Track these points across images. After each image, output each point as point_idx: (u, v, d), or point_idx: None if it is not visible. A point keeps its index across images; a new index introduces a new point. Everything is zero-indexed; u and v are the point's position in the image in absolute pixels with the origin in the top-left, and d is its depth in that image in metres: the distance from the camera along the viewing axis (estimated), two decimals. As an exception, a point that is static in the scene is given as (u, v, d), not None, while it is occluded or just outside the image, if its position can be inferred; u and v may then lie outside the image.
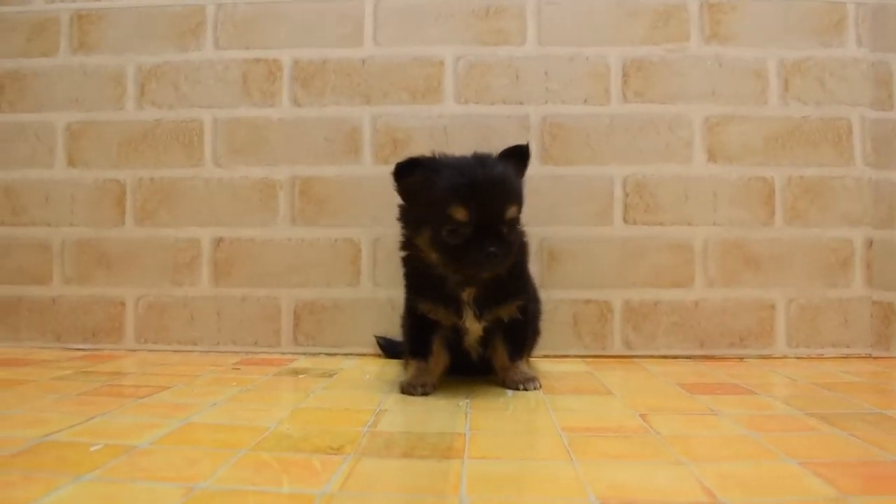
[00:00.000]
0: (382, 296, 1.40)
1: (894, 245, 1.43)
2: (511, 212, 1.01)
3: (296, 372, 1.22)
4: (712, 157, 1.40)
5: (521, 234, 1.09)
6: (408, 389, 1.04)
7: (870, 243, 1.42)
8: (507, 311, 1.10)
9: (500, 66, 1.42)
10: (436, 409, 0.95)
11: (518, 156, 1.09)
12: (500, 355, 1.12)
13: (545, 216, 1.38)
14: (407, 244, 1.10)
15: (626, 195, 1.41)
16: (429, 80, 1.42)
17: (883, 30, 1.45)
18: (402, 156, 1.40)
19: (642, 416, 0.90)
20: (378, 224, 1.41)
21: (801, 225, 1.41)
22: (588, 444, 0.77)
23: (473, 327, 1.09)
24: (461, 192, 0.98)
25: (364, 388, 1.10)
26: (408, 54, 1.43)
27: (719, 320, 1.40)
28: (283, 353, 1.41)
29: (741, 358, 1.39)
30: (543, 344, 1.33)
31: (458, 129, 1.42)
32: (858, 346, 1.41)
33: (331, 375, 1.18)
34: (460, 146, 1.39)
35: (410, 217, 1.08)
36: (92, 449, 0.73)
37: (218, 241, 1.44)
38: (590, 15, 1.43)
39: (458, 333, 1.10)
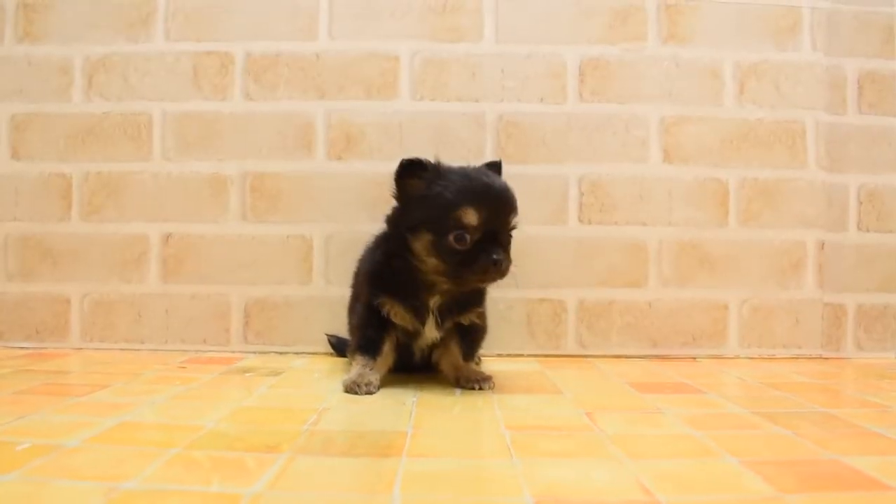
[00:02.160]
0: (335, 293, 1.39)
1: (846, 247, 1.47)
2: (514, 221, 1.03)
3: (243, 371, 1.21)
4: (668, 157, 1.42)
5: None
6: (352, 388, 1.02)
7: (822, 245, 1.45)
8: (468, 318, 1.12)
9: (457, 62, 1.42)
10: (381, 407, 0.95)
11: (497, 170, 1.13)
12: (454, 355, 1.12)
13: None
14: (393, 244, 1.08)
15: (582, 194, 1.42)
16: (384, 75, 1.42)
17: (838, 34, 1.48)
18: (356, 152, 1.42)
19: (588, 414, 0.90)
20: (331, 220, 1.40)
21: (754, 226, 1.43)
22: (531, 442, 0.77)
23: (431, 334, 1.09)
24: (474, 196, 1.00)
25: (310, 386, 1.09)
26: (363, 49, 1.42)
27: (673, 320, 1.41)
28: (233, 352, 1.39)
29: (694, 358, 1.41)
30: (497, 343, 1.34)
31: (414, 125, 1.41)
32: (809, 346, 1.44)
33: (278, 374, 1.17)
34: (415, 143, 1.40)
35: (407, 219, 1.06)
36: (18, 448, 0.71)
37: (167, 237, 1.41)
38: (547, 13, 1.43)
39: (410, 336, 1.10)
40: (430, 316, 1.07)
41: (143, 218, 1.41)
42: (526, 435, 0.80)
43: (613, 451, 0.74)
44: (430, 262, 1.02)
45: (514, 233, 1.04)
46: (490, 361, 1.32)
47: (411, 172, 1.04)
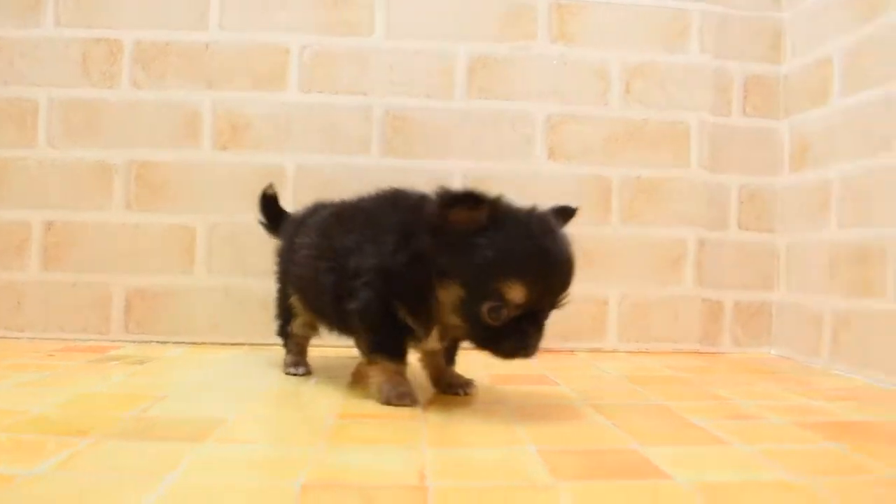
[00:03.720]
0: (217, 283, 1.42)
1: (725, 246, 1.53)
2: (567, 299, 0.88)
3: (111, 359, 1.23)
4: (552, 154, 1.46)
5: None
6: (396, 400, 0.93)
7: (702, 243, 1.50)
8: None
9: (347, 56, 1.45)
10: (225, 397, 0.98)
11: (567, 217, 0.96)
12: (437, 358, 1.05)
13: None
14: (412, 260, 0.90)
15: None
16: (273, 67, 1.44)
17: (727, 38, 1.53)
18: (243, 142, 1.44)
19: (425, 405, 0.94)
20: (215, 211, 1.43)
21: (636, 224, 1.48)
22: (349, 430, 0.81)
23: (433, 345, 0.99)
24: (528, 268, 0.83)
25: (166, 376, 1.12)
26: (253, 40, 1.44)
27: (553, 315, 1.46)
28: (113, 341, 1.41)
29: (572, 351, 1.46)
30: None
31: (302, 117, 1.44)
32: (687, 341, 1.50)
33: (143, 363, 1.20)
34: (303, 135, 1.43)
35: (438, 259, 0.87)
36: None
37: (49, 225, 1.42)
38: (439, 10, 1.47)
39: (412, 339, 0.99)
40: (433, 330, 0.96)
41: (25, 205, 1.42)
42: (350, 422, 0.84)
43: (419, 437, 0.78)
44: (452, 319, 0.88)
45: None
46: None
47: (465, 206, 0.84)
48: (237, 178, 1.43)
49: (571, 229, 1.47)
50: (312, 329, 1.19)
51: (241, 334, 1.43)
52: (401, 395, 0.93)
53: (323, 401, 0.97)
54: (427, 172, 1.45)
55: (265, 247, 1.42)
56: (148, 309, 1.43)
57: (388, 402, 0.93)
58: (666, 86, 1.49)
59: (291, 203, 1.39)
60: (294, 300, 1.17)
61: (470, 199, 0.84)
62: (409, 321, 0.93)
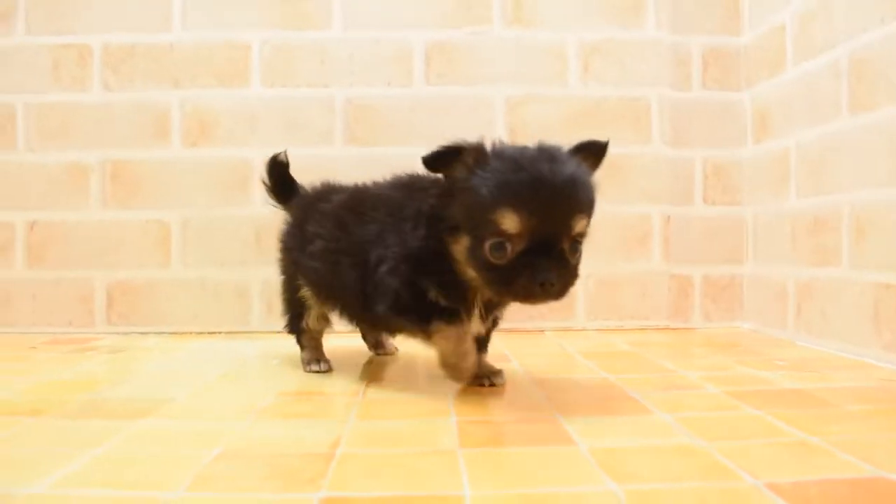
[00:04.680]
0: (193, 275, 1.50)
1: (691, 221, 1.56)
2: (580, 225, 0.82)
3: (88, 349, 1.31)
4: (513, 135, 1.50)
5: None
6: (470, 378, 0.95)
7: (668, 219, 1.54)
8: (501, 311, 1.00)
9: (306, 49, 1.51)
10: (189, 378, 1.05)
11: (593, 153, 0.90)
12: None
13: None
14: (433, 232, 0.89)
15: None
16: (236, 63, 1.51)
17: (683, 12, 1.56)
18: (211, 138, 1.51)
19: (366, 384, 1.00)
20: (188, 205, 1.50)
21: (601, 202, 1.51)
22: (284, 406, 0.88)
23: (475, 329, 0.95)
24: (515, 192, 0.79)
25: (136, 363, 1.19)
26: (215, 38, 1.51)
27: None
28: (98, 333, 1.50)
29: (542, 331, 1.51)
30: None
31: (266, 112, 1.51)
32: (657, 318, 1.54)
33: (117, 352, 1.28)
34: (268, 129, 1.49)
35: (445, 215, 0.87)
36: None
37: (32, 225, 1.51)
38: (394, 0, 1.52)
39: None
40: (475, 309, 0.93)
41: (8, 207, 1.52)
42: (290, 400, 0.91)
43: (350, 411, 0.84)
44: (469, 272, 0.87)
45: (581, 240, 0.84)
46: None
47: (446, 161, 0.85)
48: (207, 174, 1.50)
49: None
50: (326, 322, 1.16)
51: (218, 323, 1.51)
52: (470, 369, 0.93)
53: (274, 381, 1.03)
54: (390, 159, 1.46)
55: (237, 238, 1.50)
56: (128, 301, 1.51)
57: (471, 382, 0.95)
58: (624, 63, 1.52)
59: (261, 197, 1.46)
60: (306, 293, 1.13)
61: (447, 150, 0.83)
62: (443, 300, 0.90)
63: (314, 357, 1.13)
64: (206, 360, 1.24)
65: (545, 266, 0.79)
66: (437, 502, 0.55)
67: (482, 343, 1.01)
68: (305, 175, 1.38)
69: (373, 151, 1.48)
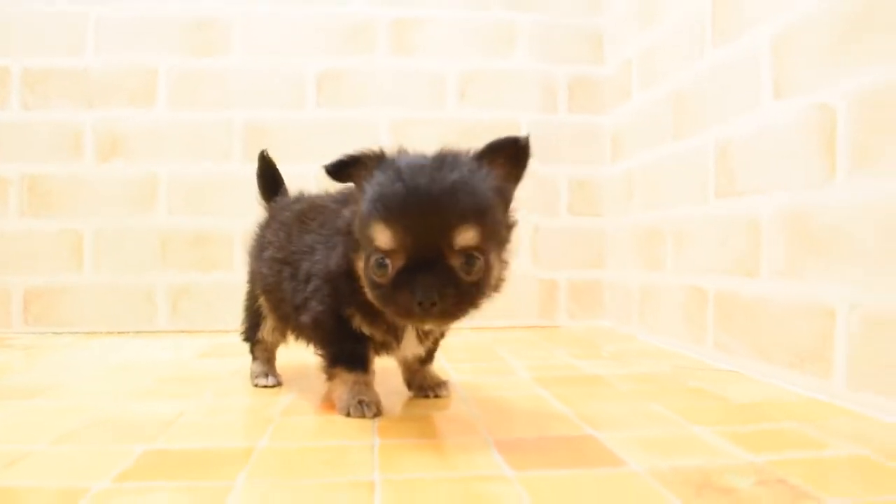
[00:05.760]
0: (104, 280, 1.68)
1: (556, 231, 1.78)
2: (465, 238, 0.74)
3: (2, 346, 1.48)
4: (397, 155, 1.71)
5: (498, 266, 0.82)
6: (357, 411, 0.89)
7: (536, 229, 1.76)
8: (448, 328, 0.95)
9: (209, 74, 1.71)
10: (87, 368, 1.23)
11: (508, 154, 0.83)
12: (411, 361, 1.03)
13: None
14: (346, 253, 0.86)
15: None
16: (145, 86, 1.70)
17: (551, 43, 1.78)
18: (121, 154, 1.69)
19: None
20: (99, 216, 1.68)
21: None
22: (161, 387, 1.07)
23: (411, 350, 0.94)
24: (385, 206, 0.75)
25: (41, 357, 1.37)
26: (126, 62, 1.69)
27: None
28: (16, 333, 1.67)
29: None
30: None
31: (171, 131, 1.69)
32: (526, 317, 1.76)
33: (27, 349, 1.45)
34: (173, 147, 1.67)
35: (350, 230, 0.85)
36: None
37: (-48, 233, 1.68)
38: (290, 30, 1.72)
39: (386, 348, 0.94)
40: (410, 330, 0.90)
41: (-71, 216, 1.68)
42: (166, 384, 1.10)
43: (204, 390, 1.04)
44: (367, 292, 0.82)
45: (478, 254, 0.75)
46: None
47: (343, 172, 0.83)
48: (118, 187, 1.69)
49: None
50: (282, 335, 1.13)
51: (127, 323, 1.69)
52: (360, 405, 0.89)
53: (161, 370, 1.22)
54: (285, 177, 1.70)
55: (145, 246, 1.69)
56: (44, 305, 1.68)
57: (346, 413, 0.89)
58: (497, 89, 1.74)
59: (166, 208, 1.66)
60: (262, 302, 1.11)
61: (347, 159, 0.81)
62: (366, 329, 0.88)
63: (263, 371, 1.12)
64: (105, 353, 1.41)
65: (425, 283, 0.73)
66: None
67: (428, 356, 1.01)
68: (206, 189, 1.57)
69: (270, 168, 1.68)
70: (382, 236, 0.74)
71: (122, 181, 1.69)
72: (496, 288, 0.84)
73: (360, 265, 0.81)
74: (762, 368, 1.10)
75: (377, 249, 0.75)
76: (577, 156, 1.78)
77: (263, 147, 1.68)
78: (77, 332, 1.68)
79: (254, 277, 1.12)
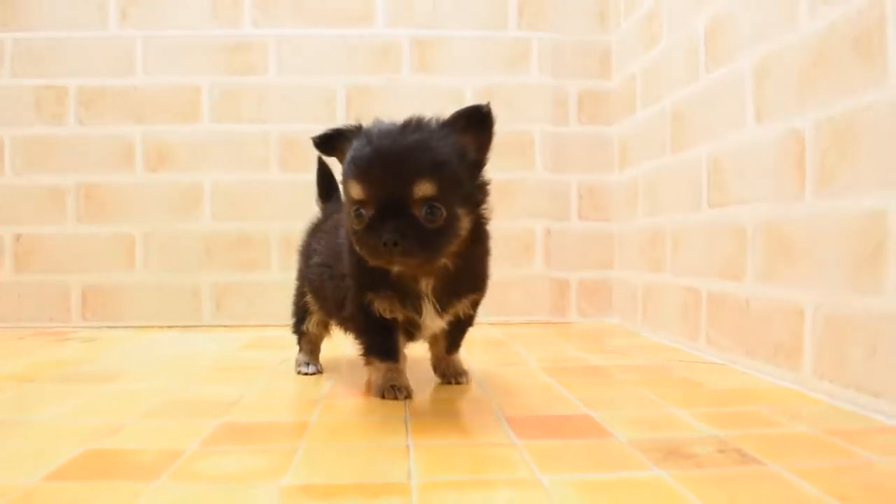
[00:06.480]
0: (154, 279, 1.87)
1: (567, 233, 1.94)
2: (422, 189, 0.87)
3: (68, 339, 1.67)
4: (420, 164, 1.87)
5: (479, 217, 1.02)
6: (389, 393, 1.02)
7: (548, 232, 1.92)
8: (463, 307, 1.07)
9: (248, 91, 1.88)
10: (143, 359, 1.41)
11: (473, 122, 0.96)
12: (439, 347, 1.16)
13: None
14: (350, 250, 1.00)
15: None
16: (190, 103, 1.88)
17: (562, 60, 1.94)
18: (168, 165, 1.87)
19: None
20: (149, 221, 1.87)
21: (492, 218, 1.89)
22: (217, 375, 1.24)
23: (435, 324, 1.04)
24: (356, 163, 0.90)
25: (103, 349, 1.55)
26: (172, 82, 1.88)
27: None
28: (74, 327, 1.86)
29: (442, 324, 1.88)
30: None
31: (214, 142, 1.88)
32: (539, 313, 1.92)
33: (88, 342, 1.64)
34: (215, 157, 1.85)
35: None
36: None
37: (17, 237, 1.87)
38: (321, 51, 1.90)
39: (413, 328, 1.05)
40: (427, 302, 1.00)
41: (-2, 222, 1.88)
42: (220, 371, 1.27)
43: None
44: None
45: (438, 205, 0.88)
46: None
47: (328, 145, 1.03)
48: (165, 194, 1.87)
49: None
50: (325, 329, 1.28)
51: (175, 318, 1.87)
52: (393, 388, 1.02)
53: (206, 360, 1.39)
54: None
55: (190, 248, 1.87)
56: (99, 300, 1.87)
57: (381, 396, 1.03)
58: (512, 103, 1.91)
59: (209, 213, 1.84)
60: (309, 298, 1.25)
61: (331, 132, 1.01)
62: (392, 309, 1.00)
63: (306, 360, 1.27)
64: (163, 346, 1.60)
65: (389, 227, 0.87)
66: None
67: (451, 342, 1.14)
68: (246, 197, 1.74)
69: (302, 177, 1.84)
70: (355, 189, 0.90)
71: (170, 189, 1.87)
72: (462, 236, 0.95)
73: (348, 225, 0.95)
74: (746, 362, 1.25)
75: (353, 201, 0.91)
76: (587, 164, 1.94)
77: (298, 157, 1.87)
78: (130, 326, 1.86)
79: (301, 277, 1.28)
